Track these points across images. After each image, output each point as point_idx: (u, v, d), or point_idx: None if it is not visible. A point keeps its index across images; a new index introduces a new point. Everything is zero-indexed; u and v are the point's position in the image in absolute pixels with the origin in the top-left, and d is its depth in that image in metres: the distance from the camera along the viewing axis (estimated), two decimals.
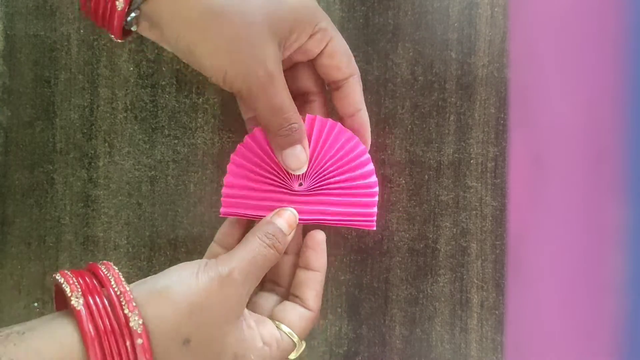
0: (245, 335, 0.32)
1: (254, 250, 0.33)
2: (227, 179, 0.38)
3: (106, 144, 0.42)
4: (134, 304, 0.29)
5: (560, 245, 0.20)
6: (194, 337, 0.30)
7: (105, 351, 0.28)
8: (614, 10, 0.18)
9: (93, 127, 0.42)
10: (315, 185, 0.38)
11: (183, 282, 0.31)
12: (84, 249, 0.43)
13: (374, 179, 0.38)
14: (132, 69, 0.42)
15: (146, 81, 0.42)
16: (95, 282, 0.30)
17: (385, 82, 0.42)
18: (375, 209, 0.38)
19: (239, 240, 0.36)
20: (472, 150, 0.42)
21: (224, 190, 0.38)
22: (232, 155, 0.38)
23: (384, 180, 0.42)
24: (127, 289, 0.30)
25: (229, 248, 0.37)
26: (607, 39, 0.18)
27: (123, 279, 0.30)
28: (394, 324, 0.43)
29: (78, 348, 0.28)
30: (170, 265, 0.42)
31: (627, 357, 0.18)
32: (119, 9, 0.31)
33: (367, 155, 0.38)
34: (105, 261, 0.32)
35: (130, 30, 0.33)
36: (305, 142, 0.36)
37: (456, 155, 0.42)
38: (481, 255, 0.42)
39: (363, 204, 0.38)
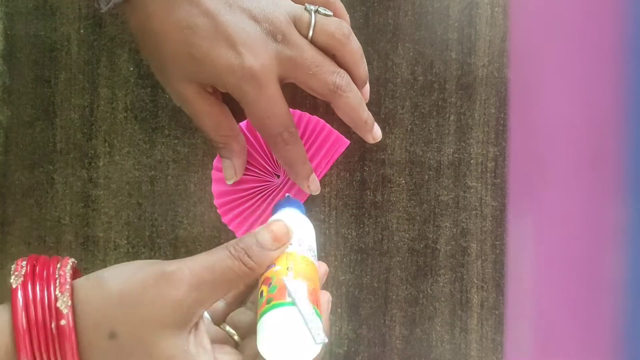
0: (190, 350, 0.29)
1: (214, 258, 0.31)
2: (214, 189, 0.41)
3: (106, 144, 0.42)
4: (68, 287, 0.29)
5: (560, 245, 0.20)
6: (121, 332, 0.29)
7: (31, 331, 0.28)
8: (614, 10, 0.18)
9: (93, 127, 0.42)
10: None
11: (122, 272, 0.30)
12: (84, 249, 0.43)
13: (317, 120, 0.41)
14: (132, 69, 0.42)
15: (146, 81, 0.42)
16: (44, 270, 0.30)
17: (385, 82, 0.42)
18: (335, 132, 0.41)
19: (242, 293, 0.36)
20: (472, 150, 0.42)
21: (215, 201, 0.41)
22: (214, 162, 0.41)
23: (384, 181, 0.42)
24: (68, 273, 0.29)
25: (231, 303, 0.36)
26: (607, 39, 0.18)
27: (70, 269, 0.30)
28: (394, 324, 0.43)
29: (9, 326, 0.28)
30: None
31: (627, 357, 0.18)
32: None
33: (323, 123, 0.41)
34: (68, 257, 0.32)
35: None
36: (236, 157, 0.39)
37: (456, 155, 0.42)
38: (481, 255, 0.42)
39: (329, 143, 0.41)
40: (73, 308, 0.28)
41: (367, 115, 0.38)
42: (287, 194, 0.40)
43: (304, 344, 0.29)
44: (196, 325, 0.30)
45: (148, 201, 0.43)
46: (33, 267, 0.30)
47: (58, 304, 0.28)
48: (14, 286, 0.29)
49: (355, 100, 0.37)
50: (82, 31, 0.42)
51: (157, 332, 0.29)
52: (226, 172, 0.39)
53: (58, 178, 0.42)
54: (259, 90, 0.34)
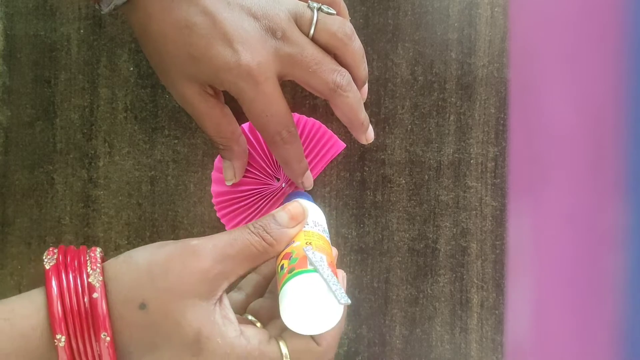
0: (216, 319, 0.30)
1: (235, 234, 0.32)
2: (213, 189, 0.41)
3: (106, 144, 0.42)
4: (99, 264, 0.30)
5: (561, 245, 0.20)
6: (151, 303, 0.30)
7: (65, 306, 0.29)
8: (615, 10, 0.18)
9: (93, 127, 0.42)
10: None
11: (149, 248, 0.32)
12: None
13: (314, 122, 0.41)
14: (132, 69, 0.42)
15: (146, 81, 0.42)
16: (75, 259, 0.31)
17: (385, 82, 0.42)
18: (332, 135, 0.41)
19: (260, 284, 0.37)
20: (472, 150, 0.42)
21: (213, 200, 0.41)
22: (215, 162, 0.41)
23: (384, 181, 0.42)
24: (98, 256, 0.31)
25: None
26: (608, 38, 0.18)
27: (100, 254, 0.31)
28: (394, 324, 0.43)
29: (44, 308, 0.29)
30: None
31: (627, 357, 0.18)
32: None
33: (319, 125, 0.41)
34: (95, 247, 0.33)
35: None
36: (237, 158, 0.39)
37: (456, 155, 0.42)
38: (481, 255, 0.42)
39: (327, 146, 0.41)
40: (104, 283, 0.30)
41: (364, 116, 0.38)
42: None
43: (328, 306, 0.30)
44: (220, 299, 0.32)
45: (148, 201, 0.43)
46: (64, 256, 0.31)
47: (90, 280, 0.29)
48: (47, 267, 0.30)
49: (354, 100, 0.37)
50: (82, 31, 0.42)
51: (184, 302, 0.30)
52: (226, 173, 0.39)
53: (58, 178, 0.42)
54: (256, 87, 0.34)
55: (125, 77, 0.42)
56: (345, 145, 0.41)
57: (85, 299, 0.29)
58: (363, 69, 0.38)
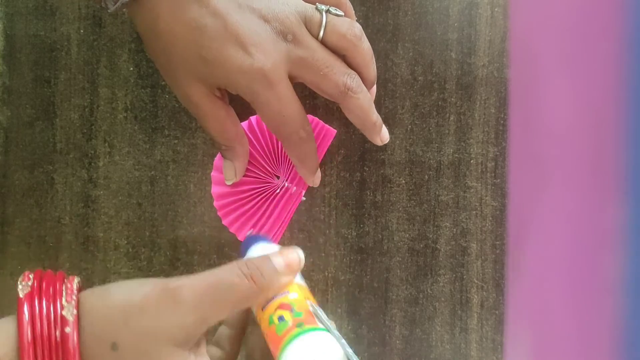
0: None
1: (220, 275, 0.30)
2: (213, 190, 0.41)
3: (106, 144, 0.42)
4: (74, 297, 0.29)
5: (560, 245, 0.20)
6: (122, 344, 0.29)
7: (35, 335, 0.28)
8: (615, 10, 0.18)
9: (93, 127, 0.42)
10: (294, 173, 0.41)
11: (127, 285, 0.31)
12: (84, 249, 0.43)
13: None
14: (132, 69, 0.42)
15: (146, 81, 0.42)
16: (50, 286, 0.30)
17: (385, 82, 0.42)
18: (321, 124, 0.41)
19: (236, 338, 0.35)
20: (472, 150, 0.42)
21: (215, 203, 0.41)
22: (214, 161, 0.41)
23: (384, 181, 0.42)
24: (75, 286, 0.30)
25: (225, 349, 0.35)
26: (608, 38, 0.18)
27: (77, 284, 0.30)
28: (394, 324, 0.43)
29: (14, 338, 0.29)
30: (170, 265, 0.42)
31: (627, 357, 0.18)
32: None
33: (311, 118, 0.41)
34: (74, 276, 0.32)
35: None
36: (239, 158, 0.39)
37: (456, 155, 0.42)
38: (481, 255, 0.42)
39: (322, 135, 0.41)
40: (78, 317, 0.29)
41: (376, 116, 0.38)
42: (250, 231, 0.41)
43: None
44: (198, 344, 0.30)
45: (148, 201, 0.43)
46: (40, 283, 0.30)
47: (64, 312, 0.29)
48: (20, 295, 0.29)
49: (365, 101, 0.36)
50: (82, 31, 0.42)
51: (157, 348, 0.29)
52: (226, 172, 0.39)
53: (58, 178, 0.42)
54: (270, 90, 0.34)
55: (125, 77, 0.42)
56: (336, 130, 0.41)
57: (57, 332, 0.28)
58: (372, 69, 0.38)
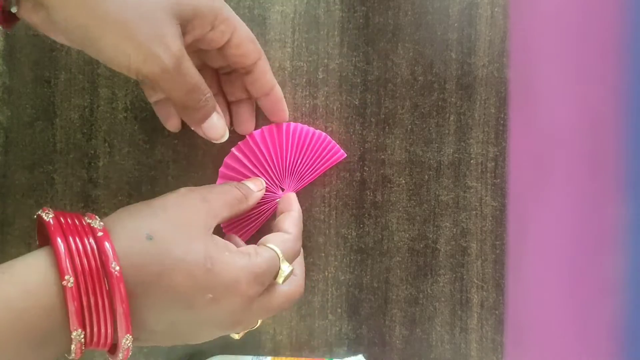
0: (217, 242, 0.33)
1: (222, 186, 0.37)
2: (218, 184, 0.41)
3: (106, 144, 0.42)
4: (97, 217, 0.31)
5: (560, 245, 0.20)
6: (157, 234, 0.30)
7: (70, 247, 0.28)
8: (615, 10, 0.18)
9: (93, 127, 0.42)
10: (298, 180, 0.42)
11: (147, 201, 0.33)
12: None
13: (319, 133, 0.41)
14: None
15: None
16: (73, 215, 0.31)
17: (385, 82, 0.42)
18: (335, 145, 0.42)
19: None
20: (472, 150, 0.42)
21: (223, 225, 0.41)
22: (225, 159, 0.41)
23: (384, 181, 0.42)
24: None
25: None
26: (608, 38, 0.18)
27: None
28: (394, 324, 0.43)
29: (48, 253, 0.29)
30: None
31: (627, 357, 0.18)
32: None
33: (324, 136, 0.41)
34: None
35: (16, 17, 0.31)
36: (218, 107, 0.36)
37: (456, 155, 0.42)
38: (481, 255, 0.42)
39: (326, 150, 0.42)
40: (106, 225, 0.30)
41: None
42: None
43: None
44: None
45: None
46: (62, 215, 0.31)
47: (91, 223, 0.30)
48: (46, 218, 0.30)
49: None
50: None
51: (190, 232, 0.31)
52: (219, 125, 0.36)
53: (58, 178, 0.42)
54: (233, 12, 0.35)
55: (125, 77, 0.42)
56: (346, 155, 0.42)
57: (90, 239, 0.29)
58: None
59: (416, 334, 0.43)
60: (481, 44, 0.42)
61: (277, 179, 0.41)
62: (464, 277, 0.43)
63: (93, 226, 0.30)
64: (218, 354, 0.42)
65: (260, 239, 0.36)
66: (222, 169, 0.41)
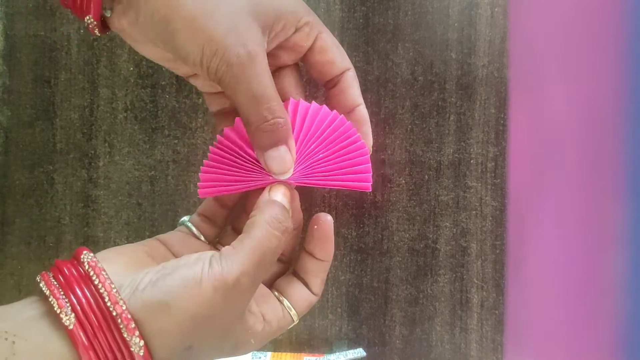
0: (249, 324, 0.30)
1: (263, 245, 0.29)
2: (205, 163, 0.35)
3: (106, 144, 0.42)
4: (133, 326, 0.27)
5: (560, 245, 0.20)
6: (196, 344, 0.29)
7: None
8: (614, 10, 0.18)
9: (93, 127, 0.42)
10: (305, 175, 0.34)
11: (185, 293, 0.28)
12: None
13: (361, 143, 0.34)
14: (132, 69, 0.42)
15: (146, 81, 0.42)
16: (86, 290, 0.27)
17: (385, 82, 0.42)
18: (369, 170, 0.34)
19: (225, 219, 0.35)
20: (472, 150, 0.42)
21: (201, 174, 0.35)
22: (211, 147, 0.34)
23: (384, 181, 0.42)
24: (123, 306, 0.27)
25: (213, 220, 0.36)
26: (608, 38, 0.18)
27: (113, 286, 0.27)
28: (394, 324, 0.43)
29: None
30: None
31: (627, 357, 0.18)
32: None
33: (353, 130, 0.34)
34: (86, 252, 0.28)
35: (107, 26, 0.31)
36: (292, 142, 0.31)
37: (456, 155, 0.42)
38: (481, 255, 0.42)
39: (356, 166, 0.34)
40: (145, 346, 0.27)
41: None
42: None
43: None
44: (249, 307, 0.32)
45: (148, 201, 0.43)
46: (75, 293, 0.27)
47: (132, 349, 0.26)
48: (70, 327, 0.26)
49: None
50: (82, 31, 0.42)
51: (227, 331, 0.30)
52: (286, 160, 0.31)
53: (58, 178, 0.42)
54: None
55: (125, 77, 0.42)
56: (370, 190, 0.33)
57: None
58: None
59: (416, 334, 0.43)
60: (481, 44, 0.42)
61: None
62: (464, 277, 0.43)
63: (133, 351, 0.26)
64: None
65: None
66: (218, 142, 0.34)
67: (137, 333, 0.27)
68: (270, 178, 0.33)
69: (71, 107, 0.42)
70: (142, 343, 0.27)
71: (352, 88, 0.34)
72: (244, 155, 0.33)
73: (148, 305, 0.27)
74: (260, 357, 0.41)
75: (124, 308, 0.27)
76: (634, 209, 0.17)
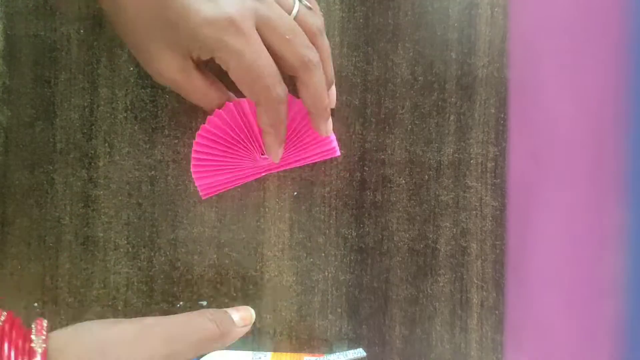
0: None
1: (192, 317, 0.34)
2: (195, 143, 0.40)
3: (106, 144, 0.42)
4: (44, 332, 0.30)
5: (560, 245, 0.20)
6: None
7: None
8: (614, 10, 0.18)
9: (93, 127, 0.42)
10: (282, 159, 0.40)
11: (101, 323, 0.32)
12: (84, 249, 0.43)
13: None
14: (132, 69, 0.42)
15: (146, 81, 0.42)
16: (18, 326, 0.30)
17: (385, 82, 0.42)
18: (333, 138, 0.40)
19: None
20: (472, 150, 0.42)
21: (195, 172, 0.40)
22: (195, 142, 0.40)
23: (384, 181, 0.42)
24: (45, 325, 0.30)
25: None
26: (607, 38, 0.18)
27: (47, 325, 0.31)
28: (394, 324, 0.43)
29: None
30: (169, 265, 0.42)
31: (627, 357, 0.18)
32: None
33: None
34: (40, 323, 0.31)
35: None
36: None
37: (456, 155, 0.42)
38: (481, 255, 0.42)
39: (321, 142, 0.40)
40: (47, 350, 0.29)
41: (327, 102, 0.37)
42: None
43: None
44: None
45: (148, 201, 0.43)
46: (10, 324, 0.30)
47: (33, 345, 0.29)
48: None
49: (321, 80, 0.36)
50: (82, 31, 0.42)
51: None
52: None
53: (58, 178, 0.42)
54: (241, 38, 0.32)
55: (125, 77, 0.42)
56: (340, 155, 0.41)
57: None
58: (330, 67, 0.38)
59: (416, 334, 0.43)
60: (481, 44, 0.42)
61: (256, 142, 0.39)
62: (464, 277, 0.43)
63: (33, 348, 0.29)
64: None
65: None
66: (210, 118, 0.39)
67: (43, 337, 0.30)
68: (261, 162, 0.40)
69: (71, 107, 0.42)
70: (43, 345, 0.29)
71: (259, 115, 0.37)
72: (230, 138, 0.39)
73: (65, 329, 0.31)
74: (260, 357, 0.41)
75: (44, 323, 0.31)
76: (633, 209, 0.17)
